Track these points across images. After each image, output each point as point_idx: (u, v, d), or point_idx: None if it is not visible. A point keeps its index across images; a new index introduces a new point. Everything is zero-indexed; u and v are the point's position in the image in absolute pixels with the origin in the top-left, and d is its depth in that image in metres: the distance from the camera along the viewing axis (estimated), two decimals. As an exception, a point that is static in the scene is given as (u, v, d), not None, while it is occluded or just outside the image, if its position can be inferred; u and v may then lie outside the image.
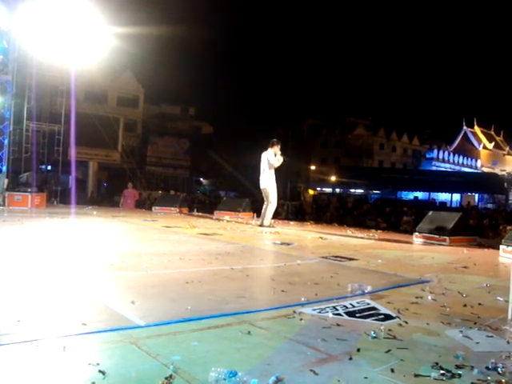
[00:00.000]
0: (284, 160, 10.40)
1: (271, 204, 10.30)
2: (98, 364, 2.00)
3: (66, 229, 8.57)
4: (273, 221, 10.76)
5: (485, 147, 67.93)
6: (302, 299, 3.38)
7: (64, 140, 20.50)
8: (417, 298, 3.69)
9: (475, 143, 67.89)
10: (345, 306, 3.29)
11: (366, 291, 3.78)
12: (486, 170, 62.92)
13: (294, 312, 3.05)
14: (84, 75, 21.27)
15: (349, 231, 10.52)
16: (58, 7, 14.91)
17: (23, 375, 1.90)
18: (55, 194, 19.57)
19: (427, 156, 59.85)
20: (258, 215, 12.61)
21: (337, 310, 3.16)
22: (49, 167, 22.88)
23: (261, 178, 10.38)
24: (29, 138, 18.10)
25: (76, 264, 4.57)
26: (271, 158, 10.22)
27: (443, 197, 44.87)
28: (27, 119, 17.99)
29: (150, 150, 37.48)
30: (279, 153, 10.29)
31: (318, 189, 45.62)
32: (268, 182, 10.29)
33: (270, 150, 10.31)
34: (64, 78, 19.53)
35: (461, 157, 61.94)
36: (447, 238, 8.22)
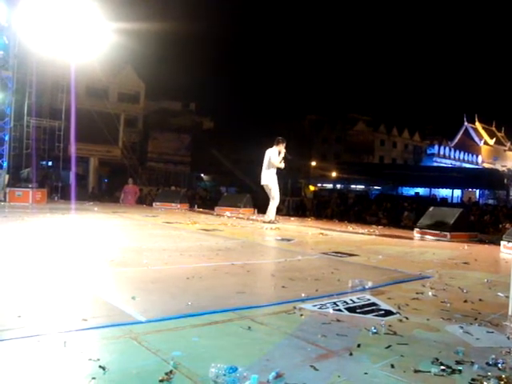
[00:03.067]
0: (285, 159, 10.36)
1: (273, 200, 10.31)
2: (98, 359, 2.01)
3: (67, 225, 8.57)
4: (278, 217, 10.77)
5: (486, 143, 67.85)
6: (303, 295, 3.39)
7: (65, 136, 20.48)
8: (417, 293, 3.69)
9: (476, 139, 67.78)
10: (345, 301, 3.29)
11: (367, 287, 3.79)
12: (486, 165, 62.85)
13: (295, 308, 3.05)
14: (85, 71, 21.26)
15: (349, 227, 10.52)
16: (59, 2, 14.88)
17: (24, 370, 1.90)
18: (56, 190, 19.56)
19: (428, 152, 59.77)
20: (259, 211, 12.62)
21: (337, 305, 3.17)
22: (50, 163, 22.88)
23: (262, 174, 10.37)
24: (29, 134, 18.08)
25: (77, 259, 4.58)
26: (273, 156, 10.21)
27: (444, 193, 44.83)
28: (28, 115, 17.96)
29: (150, 146, 37.40)
30: (284, 151, 10.28)
31: (319, 185, 45.60)
32: (269, 179, 10.29)
33: (274, 147, 10.31)
34: (65, 74, 19.47)
35: (462, 153, 61.87)
36: (448, 233, 8.21)
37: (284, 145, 10.32)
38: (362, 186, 44.53)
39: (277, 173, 10.44)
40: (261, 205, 11.11)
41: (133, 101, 37.53)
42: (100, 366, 1.94)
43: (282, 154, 10.27)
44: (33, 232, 6.96)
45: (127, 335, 2.39)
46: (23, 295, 3.10)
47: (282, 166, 10.33)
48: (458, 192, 46.50)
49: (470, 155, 63.35)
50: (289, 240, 7.22)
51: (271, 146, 10.37)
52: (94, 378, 1.83)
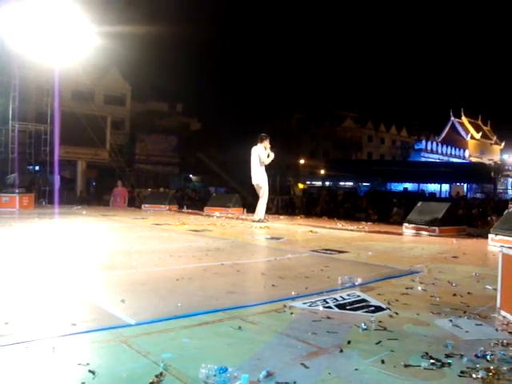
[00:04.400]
0: (273, 153, 10.41)
1: (262, 198, 10.33)
2: (87, 364, 1.99)
3: (55, 229, 8.51)
4: (267, 215, 10.78)
5: (472, 137, 68.43)
6: (293, 293, 3.39)
7: (51, 140, 20.31)
8: (407, 288, 3.71)
9: (463, 133, 68.34)
10: (335, 298, 3.30)
11: (357, 283, 3.80)
12: (473, 159, 63.38)
13: (285, 306, 3.05)
14: (70, 74, 21.06)
15: (339, 224, 10.55)
16: (43, 6, 14.76)
17: (12, 378, 1.88)
18: (43, 195, 19.39)
19: (416, 147, 60.11)
20: (248, 211, 12.63)
21: (327, 302, 3.17)
22: (37, 167, 22.69)
23: (252, 173, 10.38)
24: (14, 138, 17.91)
25: (65, 264, 4.55)
26: (262, 154, 10.24)
27: (432, 187, 45.10)
28: (12, 119, 17.79)
29: (138, 148, 37.26)
30: (269, 147, 10.32)
31: (308, 182, 45.74)
32: (260, 178, 10.31)
33: (259, 144, 10.34)
34: (50, 78, 19.28)
35: (449, 147, 62.30)
36: (437, 228, 8.26)
37: (268, 140, 10.36)
38: (351, 183, 44.71)
39: (266, 171, 10.46)
40: (250, 204, 11.11)
41: (119, 103, 37.37)
42: (90, 371, 1.93)
43: (268, 150, 10.31)
44: (20, 238, 6.90)
45: (117, 339, 2.38)
46: (11, 301, 3.07)
47: (272, 156, 10.34)
48: (446, 187, 46.81)
49: (457, 150, 63.84)
50: (278, 238, 7.23)
51: (256, 145, 10.40)
52: (83, 383, 1.82)
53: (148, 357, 2.13)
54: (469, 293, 3.62)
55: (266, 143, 10.32)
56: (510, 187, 48.52)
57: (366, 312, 2.99)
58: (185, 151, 38.40)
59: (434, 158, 58.38)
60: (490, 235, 7.15)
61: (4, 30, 15.15)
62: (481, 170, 45.69)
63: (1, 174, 16.79)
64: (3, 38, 15.44)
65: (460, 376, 2.02)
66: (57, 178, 20.33)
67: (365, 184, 43.47)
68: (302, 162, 50.83)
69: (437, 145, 61.28)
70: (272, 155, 10.35)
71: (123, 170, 27.86)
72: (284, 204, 22.43)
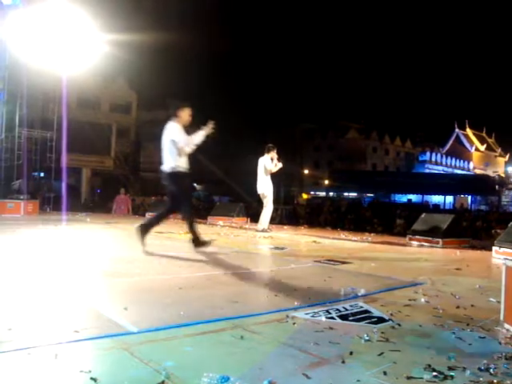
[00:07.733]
0: (281, 163, 10.43)
1: (266, 208, 10.32)
2: (89, 371, 1.99)
3: (59, 236, 8.53)
4: (271, 225, 10.77)
5: (477, 149, 68.44)
6: (295, 303, 3.38)
7: (56, 147, 20.43)
8: (410, 300, 3.70)
9: (467, 145, 68.35)
10: (338, 309, 3.28)
11: (359, 294, 3.79)
12: (478, 171, 63.35)
13: (287, 316, 3.04)
14: (76, 82, 21.22)
15: (342, 235, 10.53)
16: (50, 14, 14.89)
17: (14, 384, 1.88)
18: (48, 201, 19.46)
19: (420, 159, 60.15)
20: (252, 220, 12.62)
21: (330, 313, 3.16)
22: (41, 174, 22.79)
23: (258, 183, 10.39)
24: (21, 145, 18.01)
25: (69, 271, 4.55)
26: (268, 163, 10.25)
27: (436, 199, 45.09)
28: (19, 126, 17.90)
29: (143, 156, 37.40)
30: (276, 157, 10.34)
31: (312, 193, 45.79)
32: (265, 187, 10.31)
33: (266, 155, 10.35)
34: (56, 85, 19.43)
35: (453, 159, 62.29)
36: (440, 240, 8.24)
37: (275, 151, 10.37)
38: (355, 194, 44.73)
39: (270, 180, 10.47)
40: (254, 214, 11.09)
41: (125, 111, 37.55)
42: (91, 378, 1.92)
43: (275, 161, 10.33)
44: (24, 244, 6.91)
45: (119, 346, 2.37)
46: (15, 307, 3.07)
47: (280, 165, 10.37)
48: (450, 198, 46.82)
49: (462, 161, 63.81)
50: (282, 248, 7.22)
51: (263, 155, 10.41)
52: (85, 390, 1.82)
53: (150, 365, 2.12)
54: (472, 305, 3.60)
55: (273, 154, 10.34)
56: (514, 200, 48.40)
57: (369, 323, 2.98)
58: (189, 160, 38.45)
59: (438, 169, 58.39)
60: (493, 247, 7.11)
61: (12, 39, 15.29)
62: (485, 182, 45.62)
63: (6, 180, 16.88)
64: (11, 47, 15.58)
65: (463, 389, 2.01)
66: (64, 185, 20.43)
67: (369, 195, 43.47)
68: (305, 172, 50.90)
69: (441, 156, 61.30)
70: (280, 165, 10.37)
71: (128, 177, 27.96)
72: (288, 214, 22.38)
